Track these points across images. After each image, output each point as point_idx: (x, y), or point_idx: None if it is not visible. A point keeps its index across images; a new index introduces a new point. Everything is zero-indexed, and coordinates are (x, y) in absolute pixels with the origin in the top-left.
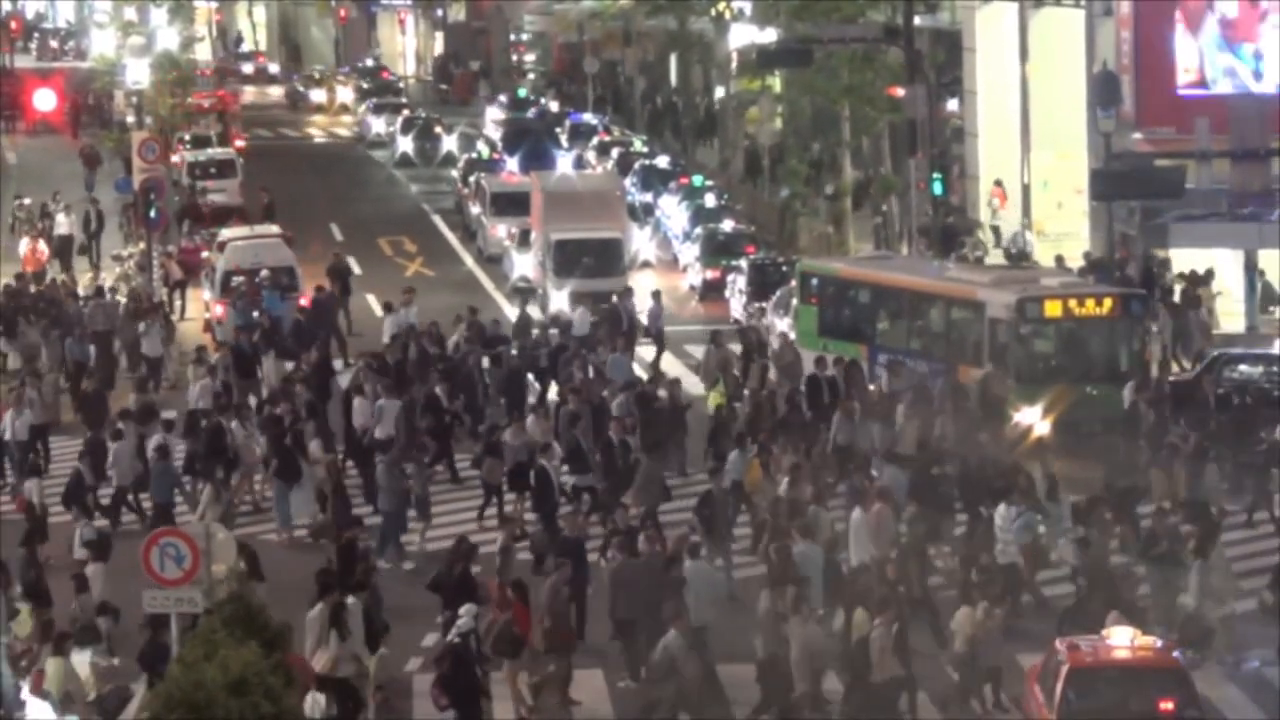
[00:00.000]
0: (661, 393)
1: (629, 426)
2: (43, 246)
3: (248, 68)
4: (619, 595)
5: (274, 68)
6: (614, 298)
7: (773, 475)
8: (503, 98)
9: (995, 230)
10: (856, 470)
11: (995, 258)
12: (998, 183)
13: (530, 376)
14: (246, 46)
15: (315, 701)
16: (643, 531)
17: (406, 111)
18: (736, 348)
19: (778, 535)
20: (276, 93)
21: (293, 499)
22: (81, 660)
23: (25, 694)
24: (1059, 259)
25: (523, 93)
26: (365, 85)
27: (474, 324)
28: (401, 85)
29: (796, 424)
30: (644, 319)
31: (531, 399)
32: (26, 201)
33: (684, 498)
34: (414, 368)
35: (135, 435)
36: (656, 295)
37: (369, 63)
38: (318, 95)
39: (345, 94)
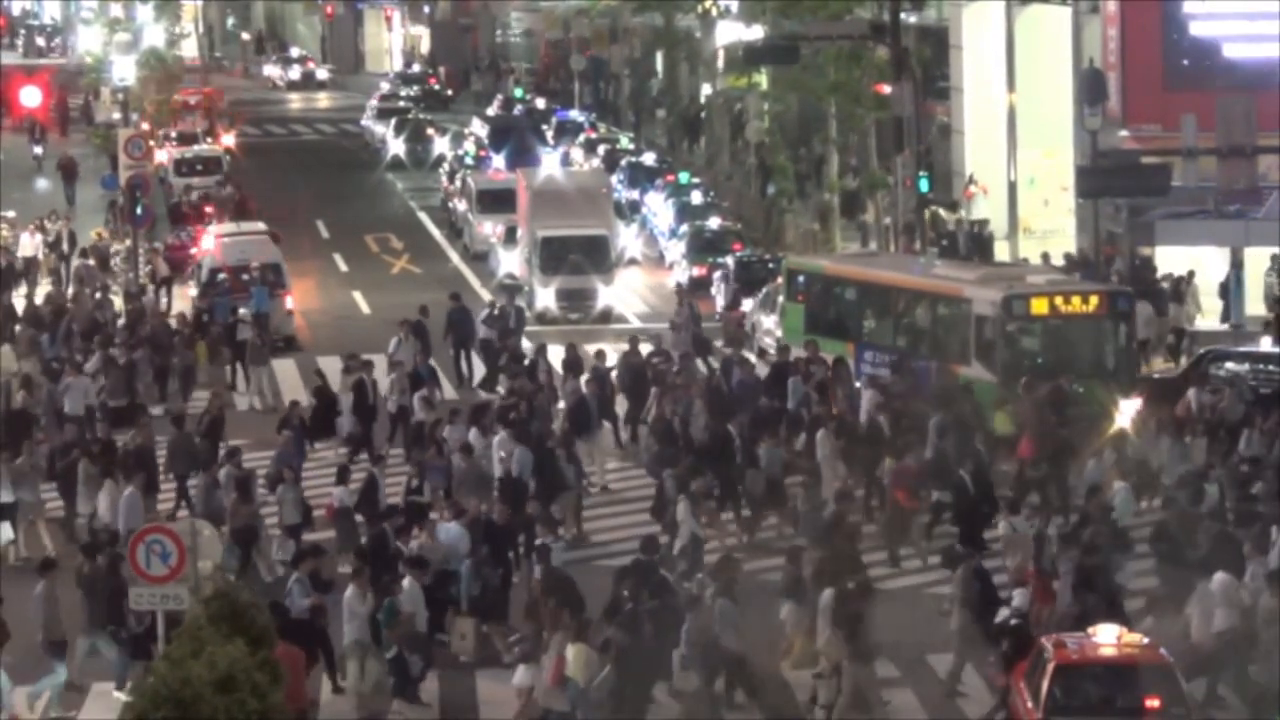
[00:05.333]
0: None
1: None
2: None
3: (294, 73)
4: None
5: (322, 73)
6: None
7: None
8: (499, 96)
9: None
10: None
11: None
12: (971, 180)
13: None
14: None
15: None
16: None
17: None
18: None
19: None
20: (326, 100)
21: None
22: None
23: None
24: (1045, 256)
25: (519, 92)
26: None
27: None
28: (450, 94)
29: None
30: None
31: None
32: (11, 214)
33: None
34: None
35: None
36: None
37: (413, 69)
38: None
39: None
